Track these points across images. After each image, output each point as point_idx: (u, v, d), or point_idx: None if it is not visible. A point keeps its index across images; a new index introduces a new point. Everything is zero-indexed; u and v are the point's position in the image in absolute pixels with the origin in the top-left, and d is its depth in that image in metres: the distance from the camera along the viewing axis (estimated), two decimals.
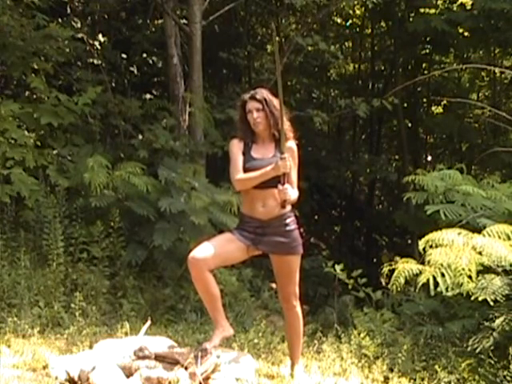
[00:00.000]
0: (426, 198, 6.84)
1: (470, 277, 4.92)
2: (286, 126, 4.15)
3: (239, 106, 4.25)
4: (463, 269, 4.88)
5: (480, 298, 5.07)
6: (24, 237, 6.64)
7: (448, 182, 6.90)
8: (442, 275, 4.96)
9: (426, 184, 6.85)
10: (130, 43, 10.24)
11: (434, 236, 5.22)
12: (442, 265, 4.94)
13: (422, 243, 5.23)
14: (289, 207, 4.20)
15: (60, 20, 9.22)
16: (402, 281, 5.05)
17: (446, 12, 11.02)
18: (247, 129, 4.22)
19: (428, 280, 4.96)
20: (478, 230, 5.53)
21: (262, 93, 4.19)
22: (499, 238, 5.24)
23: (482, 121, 12.48)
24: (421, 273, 5.05)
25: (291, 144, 4.21)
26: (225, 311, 4.32)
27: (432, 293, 5.04)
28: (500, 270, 5.28)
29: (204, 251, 4.06)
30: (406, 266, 5.10)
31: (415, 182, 6.96)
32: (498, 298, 5.06)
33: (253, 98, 4.17)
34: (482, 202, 6.56)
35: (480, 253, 5.03)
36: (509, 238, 5.25)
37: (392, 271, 5.23)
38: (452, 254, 4.97)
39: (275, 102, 4.15)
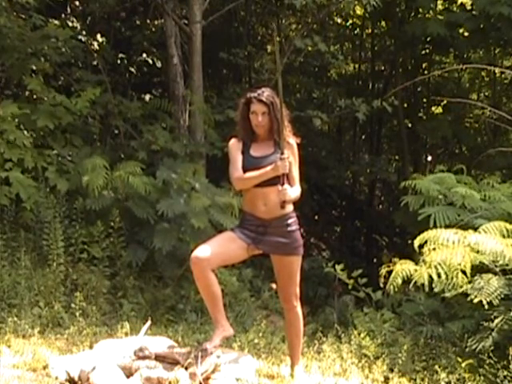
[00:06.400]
0: (423, 202, 6.86)
1: (464, 273, 4.92)
2: (287, 128, 4.15)
3: (243, 104, 4.20)
4: (459, 264, 4.89)
5: (475, 300, 5.08)
6: (24, 237, 6.64)
7: (444, 185, 6.92)
8: (438, 276, 4.97)
9: (422, 188, 6.87)
10: (130, 43, 10.23)
11: (429, 234, 5.24)
12: (438, 263, 4.95)
13: (417, 241, 5.24)
14: (291, 207, 4.20)
15: (59, 20, 9.22)
16: (400, 282, 5.06)
17: (446, 13, 11.02)
18: (248, 127, 4.20)
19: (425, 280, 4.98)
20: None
21: (269, 95, 4.13)
22: (495, 234, 5.24)
23: (482, 121, 12.48)
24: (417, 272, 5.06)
25: (291, 141, 4.19)
26: (225, 311, 4.33)
27: (426, 289, 5.04)
28: (498, 269, 5.29)
29: (206, 251, 4.06)
30: (403, 267, 5.11)
31: (412, 187, 6.99)
32: (494, 302, 5.06)
33: (260, 100, 4.11)
34: (479, 203, 6.58)
35: (477, 251, 5.04)
36: (504, 236, 5.25)
37: (390, 272, 5.23)
38: (446, 252, 4.98)
39: (279, 105, 4.10)
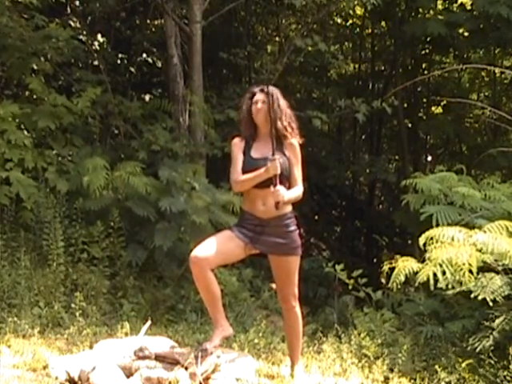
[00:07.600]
0: (424, 202, 6.86)
1: (470, 272, 4.91)
2: (289, 129, 4.19)
3: (247, 98, 4.29)
4: (464, 264, 4.88)
5: (480, 297, 5.08)
6: (24, 237, 6.63)
7: (445, 185, 6.92)
8: (443, 273, 4.96)
9: (423, 187, 6.87)
10: (130, 43, 10.24)
11: (434, 232, 5.23)
12: (442, 261, 4.94)
13: (422, 239, 5.23)
14: (289, 207, 4.21)
15: (59, 20, 9.22)
16: (402, 278, 5.05)
17: (446, 13, 11.03)
18: (250, 121, 4.26)
19: (428, 278, 4.96)
20: None
21: (272, 89, 4.24)
22: (500, 233, 5.23)
23: (482, 121, 12.48)
24: (421, 271, 5.05)
25: (293, 141, 4.23)
26: (225, 311, 4.33)
27: (432, 287, 5.03)
28: (500, 268, 5.29)
29: (206, 250, 4.07)
30: (406, 264, 5.10)
31: (413, 186, 6.99)
32: (498, 299, 5.06)
33: (262, 90, 4.23)
34: (480, 203, 6.57)
35: (481, 249, 5.03)
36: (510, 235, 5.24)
37: (392, 270, 5.23)
38: (452, 250, 4.96)
39: (282, 101, 4.22)
